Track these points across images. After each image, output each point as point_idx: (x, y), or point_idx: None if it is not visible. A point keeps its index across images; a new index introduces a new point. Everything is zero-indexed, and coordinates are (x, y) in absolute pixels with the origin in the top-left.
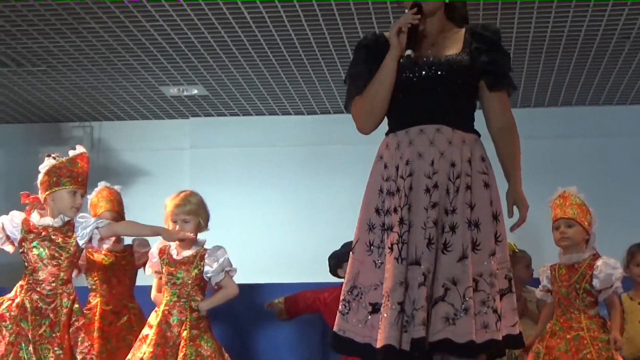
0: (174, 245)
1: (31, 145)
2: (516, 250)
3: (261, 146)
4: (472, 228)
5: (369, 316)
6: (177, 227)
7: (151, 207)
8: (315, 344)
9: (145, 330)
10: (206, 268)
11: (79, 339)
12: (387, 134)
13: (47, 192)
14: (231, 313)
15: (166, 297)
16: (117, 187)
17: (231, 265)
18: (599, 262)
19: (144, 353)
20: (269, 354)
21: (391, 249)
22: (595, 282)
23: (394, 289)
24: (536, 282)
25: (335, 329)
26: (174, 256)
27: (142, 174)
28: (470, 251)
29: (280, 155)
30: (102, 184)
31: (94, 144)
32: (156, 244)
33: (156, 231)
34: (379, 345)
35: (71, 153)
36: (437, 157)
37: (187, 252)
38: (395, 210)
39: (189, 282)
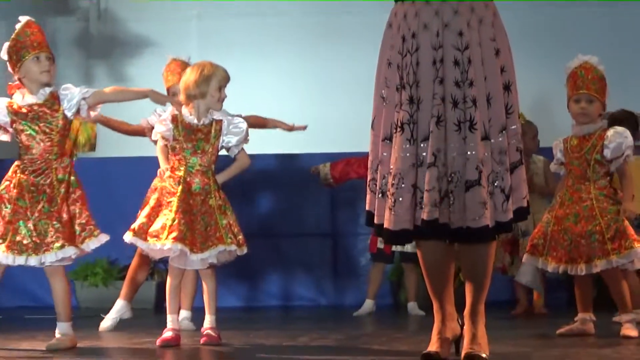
0: (186, 112)
1: (37, 15)
2: (524, 120)
3: (270, 15)
4: (485, 104)
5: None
6: (223, 94)
7: (158, 77)
8: (324, 215)
9: (164, 197)
10: (228, 137)
11: (77, 211)
12: (396, 0)
13: (16, 72)
14: (240, 183)
15: (184, 165)
16: (183, 57)
17: (248, 136)
18: (609, 132)
19: (173, 220)
20: (281, 223)
21: (401, 128)
22: (606, 152)
23: (408, 170)
24: (544, 153)
25: (368, 207)
26: (192, 122)
27: (149, 44)
28: (489, 130)
29: (290, 25)
30: (169, 57)
31: (101, 14)
32: (168, 110)
33: (145, 94)
34: (392, 227)
35: (17, 26)
36: (442, 28)
37: (206, 120)
38: (403, 87)
39: (210, 150)
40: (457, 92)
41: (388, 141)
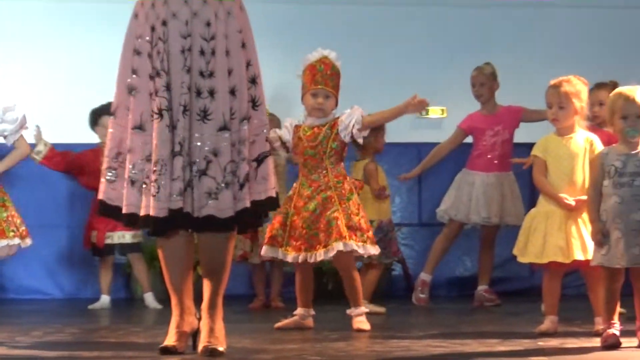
0: None
1: None
2: (268, 113)
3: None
4: (229, 95)
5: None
6: None
7: None
8: (62, 206)
9: None
10: (3, 126)
11: None
12: None
13: None
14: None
15: None
16: None
17: (26, 124)
18: (342, 117)
19: None
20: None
21: (160, 115)
22: (342, 133)
23: (169, 157)
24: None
25: (102, 197)
26: None
27: None
28: (230, 120)
29: (36, 10)
30: None
31: None
32: None
33: None
34: (159, 215)
35: None
36: (190, 17)
37: None
38: (158, 75)
39: None
40: (200, 82)
41: (139, 130)
